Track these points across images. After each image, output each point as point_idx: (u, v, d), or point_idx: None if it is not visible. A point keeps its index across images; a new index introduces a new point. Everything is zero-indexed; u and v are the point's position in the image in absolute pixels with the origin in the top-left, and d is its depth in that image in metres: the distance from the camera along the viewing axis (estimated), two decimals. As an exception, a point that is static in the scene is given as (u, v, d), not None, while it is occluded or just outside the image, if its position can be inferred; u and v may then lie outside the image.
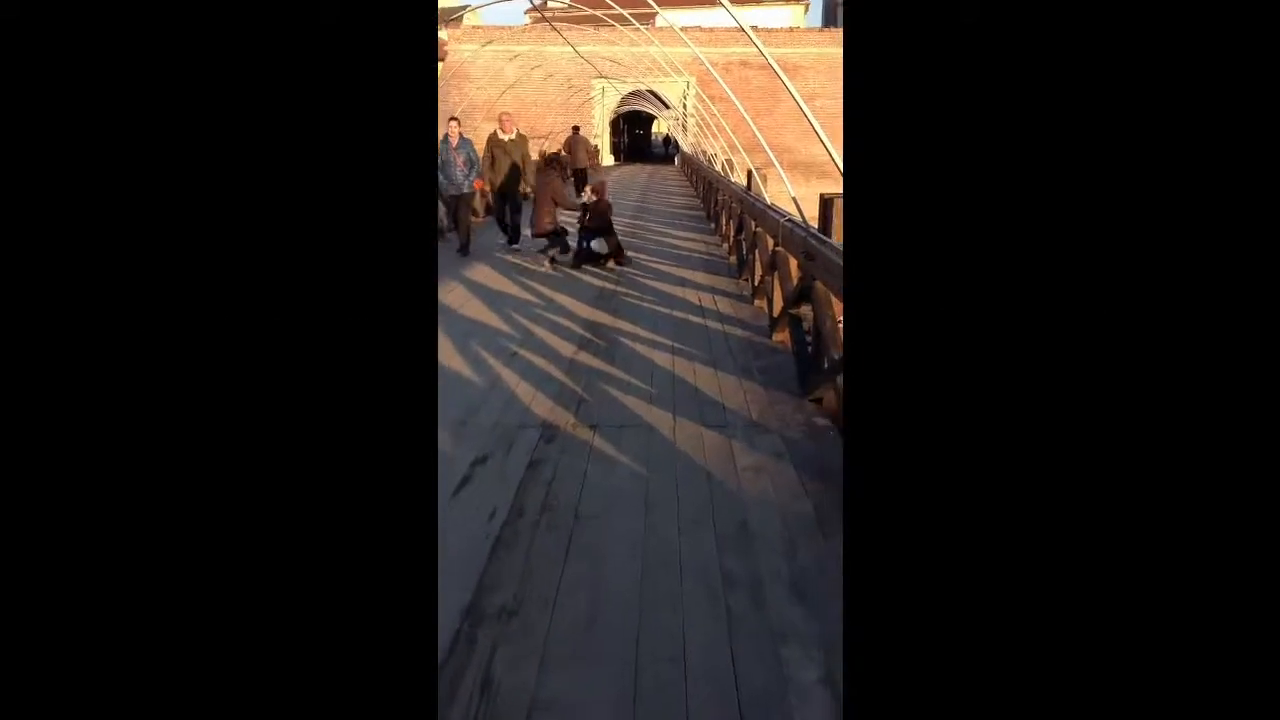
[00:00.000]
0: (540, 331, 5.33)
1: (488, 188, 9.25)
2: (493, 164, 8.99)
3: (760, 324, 5.55)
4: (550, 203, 8.04)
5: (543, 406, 3.85)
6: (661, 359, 4.70)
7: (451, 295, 6.50)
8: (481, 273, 7.56)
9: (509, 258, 8.43)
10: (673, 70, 18.07)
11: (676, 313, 5.94)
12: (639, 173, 25.87)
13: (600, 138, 31.93)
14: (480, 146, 9.02)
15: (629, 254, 8.24)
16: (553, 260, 7.93)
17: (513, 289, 6.84)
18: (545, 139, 27.18)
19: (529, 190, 9.35)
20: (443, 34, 36.50)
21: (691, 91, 25.87)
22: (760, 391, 4.10)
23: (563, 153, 18.00)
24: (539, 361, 4.62)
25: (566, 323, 5.59)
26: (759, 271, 6.13)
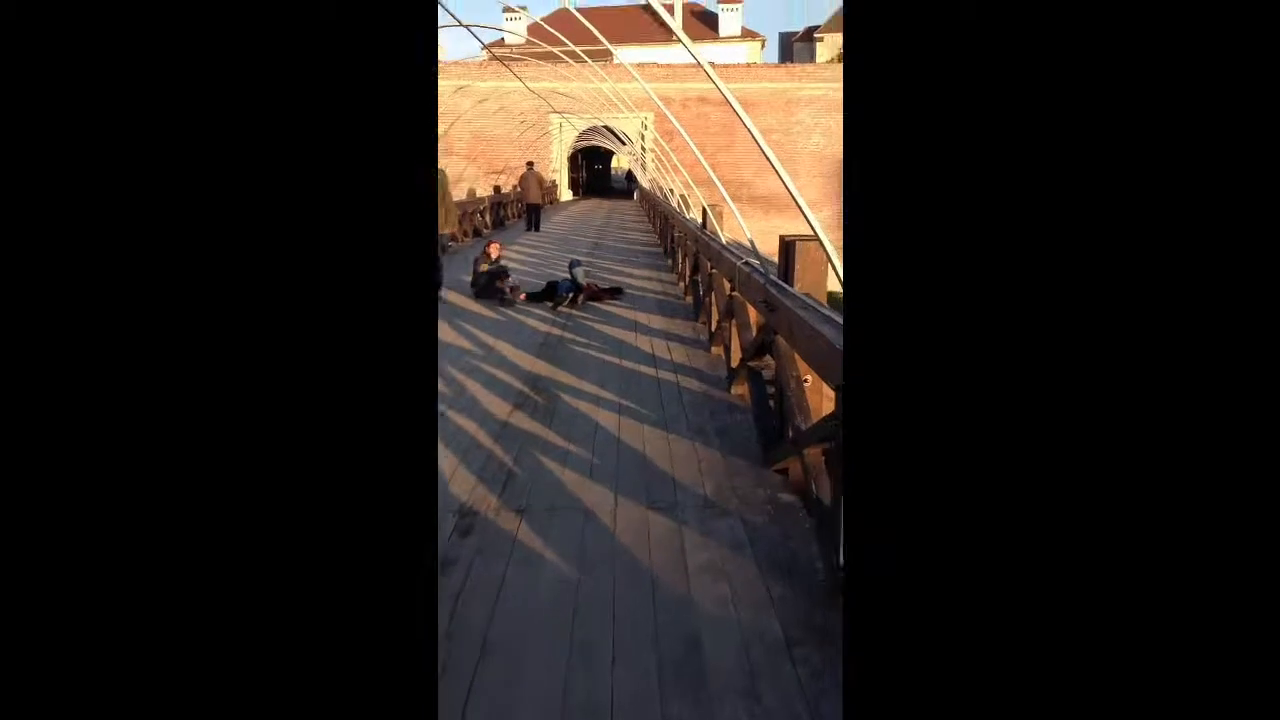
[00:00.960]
0: (473, 387, 4.77)
1: None
2: None
3: (718, 374, 5.06)
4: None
5: (464, 484, 3.28)
6: (606, 419, 4.17)
7: (381, 344, 5.93)
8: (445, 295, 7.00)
9: (452, 299, 7.87)
10: (627, 107, 17.97)
11: (626, 362, 5.43)
12: (598, 208, 25.52)
13: (559, 173, 31.68)
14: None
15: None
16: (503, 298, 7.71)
17: (451, 335, 6.27)
18: (502, 174, 26.79)
19: (451, 232, 8.67)
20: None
21: (649, 127, 25.71)
22: (717, 459, 3.59)
23: (516, 187, 17.64)
24: (467, 425, 4.06)
25: (504, 376, 5.05)
26: (715, 316, 5.65)
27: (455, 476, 3.36)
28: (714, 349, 5.68)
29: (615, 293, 8.23)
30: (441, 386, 4.79)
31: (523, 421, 4.13)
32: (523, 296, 7.88)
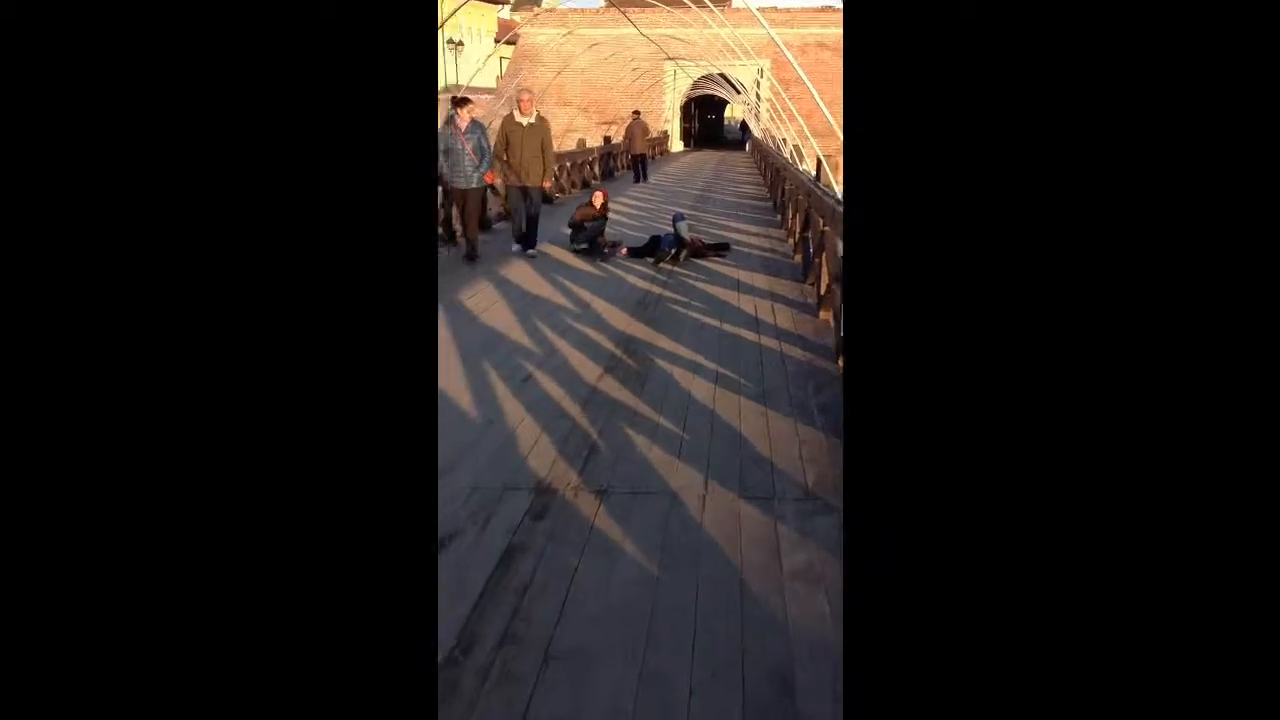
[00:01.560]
0: (564, 348, 4.55)
1: (499, 181, 7.70)
2: (507, 152, 7.40)
3: (825, 342, 4.66)
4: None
5: (543, 458, 3.07)
6: (701, 390, 3.86)
7: (477, 297, 5.79)
8: (517, 269, 6.84)
9: (550, 252, 7.68)
10: (744, 53, 17.26)
11: (727, 325, 5.08)
12: (708, 159, 24.86)
13: (670, 123, 31.08)
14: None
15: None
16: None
17: (547, 290, 6.08)
18: (613, 124, 26.44)
19: (550, 185, 7.98)
20: (515, 16, 36.08)
21: (766, 75, 24.72)
22: (820, 442, 3.24)
23: (626, 138, 17.30)
24: (553, 390, 3.84)
25: (597, 336, 4.80)
26: (825, 279, 5.22)
27: (536, 448, 3.15)
28: (822, 314, 5.25)
29: (720, 249, 7.80)
30: (532, 345, 4.59)
31: (612, 388, 3.87)
32: (624, 251, 7.57)
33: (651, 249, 7.38)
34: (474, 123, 7.20)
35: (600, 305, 5.61)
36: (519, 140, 7.36)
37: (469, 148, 7.06)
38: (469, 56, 35.87)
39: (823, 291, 5.29)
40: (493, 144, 7.31)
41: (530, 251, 7.54)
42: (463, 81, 23.77)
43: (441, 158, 7.07)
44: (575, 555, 2.37)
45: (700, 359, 4.36)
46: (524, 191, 7.49)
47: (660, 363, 4.30)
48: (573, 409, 3.59)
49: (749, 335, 4.86)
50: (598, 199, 7.91)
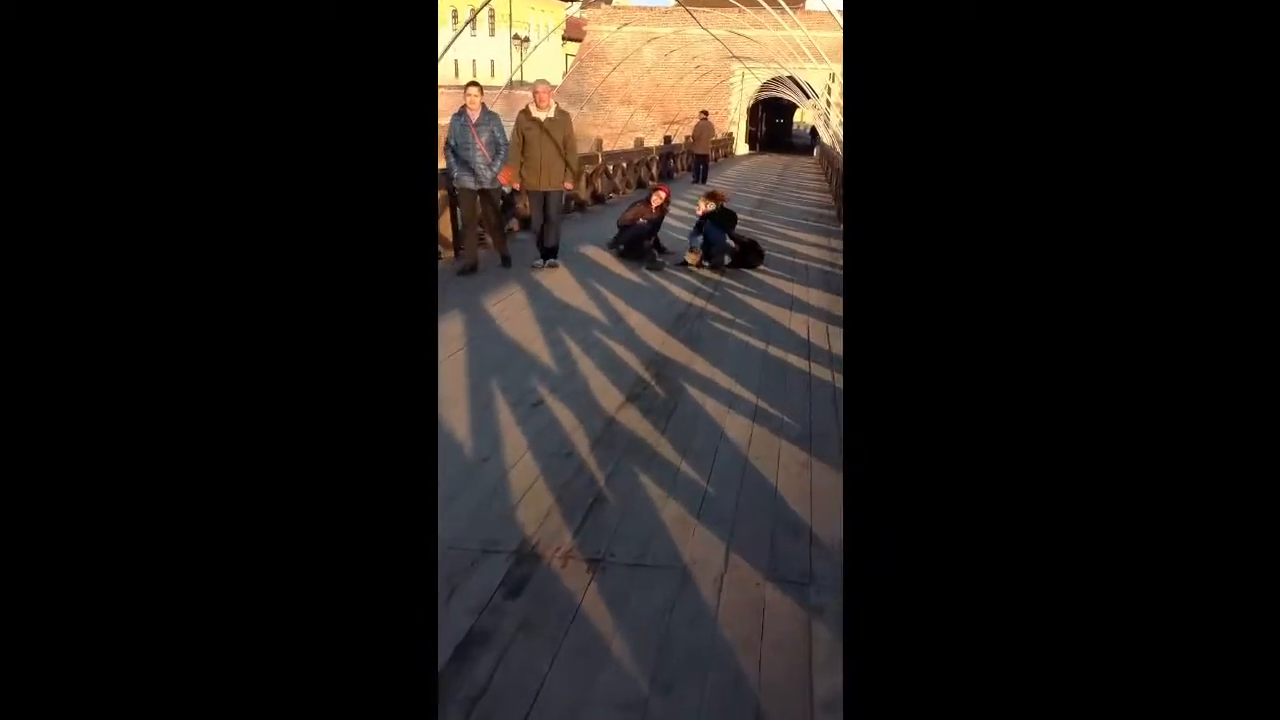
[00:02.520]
0: (587, 368, 4.05)
1: (516, 182, 6.42)
2: (523, 150, 6.26)
3: (886, 376, 4.06)
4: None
5: (536, 508, 2.57)
6: (736, 428, 3.32)
7: (504, 304, 5.34)
8: (553, 272, 6.37)
9: (593, 255, 7.21)
10: (816, 56, 16.62)
11: (773, 349, 4.52)
12: (773, 163, 24.13)
13: (736, 125, 30.43)
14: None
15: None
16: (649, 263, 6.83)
17: (580, 298, 5.60)
18: (674, 124, 25.94)
19: (571, 187, 6.78)
20: (582, 13, 35.84)
21: (838, 79, 23.90)
22: (874, 506, 2.66)
23: (688, 138, 16.80)
24: (565, 420, 3.35)
25: (626, 355, 4.29)
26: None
27: (530, 495, 2.66)
28: (885, 341, 4.65)
29: (748, 255, 6.94)
30: (550, 363, 4.11)
31: (632, 420, 3.36)
32: (694, 258, 6.90)
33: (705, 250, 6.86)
34: (486, 111, 6.13)
35: (635, 318, 5.10)
36: (536, 138, 6.24)
37: (481, 142, 6.02)
38: (535, 54, 35.83)
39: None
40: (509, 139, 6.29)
41: (552, 262, 6.58)
42: (528, 78, 23.59)
43: (449, 155, 6.13)
44: (549, 654, 1.86)
45: (739, 389, 3.81)
46: (543, 197, 6.43)
47: (692, 391, 3.77)
48: (582, 445, 3.09)
49: (798, 362, 4.29)
50: (657, 197, 7.29)
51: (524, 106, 6.36)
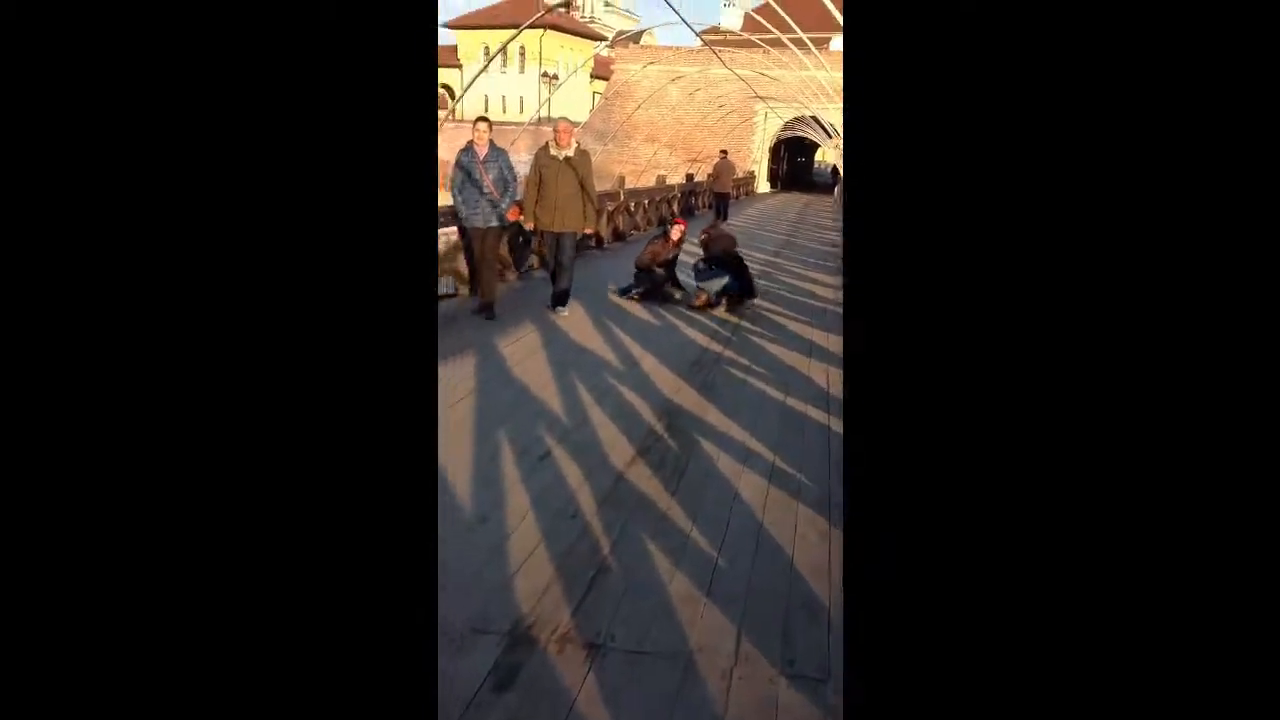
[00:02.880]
0: (597, 418, 3.89)
1: (529, 222, 6.18)
2: (539, 190, 6.06)
3: (911, 433, 3.86)
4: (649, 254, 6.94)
5: (535, 579, 2.39)
6: (751, 489, 3.13)
7: (517, 345, 5.20)
8: (569, 313, 6.23)
9: (605, 292, 7.08)
10: (839, 96, 16.65)
11: (793, 400, 4.34)
12: (794, 202, 24.09)
13: (758, 164, 30.51)
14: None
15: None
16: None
17: (595, 340, 5.46)
18: (697, 161, 26.00)
19: (591, 230, 6.53)
20: (611, 52, 36.29)
21: (860, 118, 23.83)
22: (899, 584, 2.46)
23: (710, 175, 16.78)
24: (572, 475, 3.18)
25: (639, 404, 4.13)
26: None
27: (529, 563, 2.48)
28: (909, 394, 4.46)
29: (734, 290, 6.73)
30: (559, 412, 3.95)
31: (642, 478, 3.18)
32: (701, 299, 6.77)
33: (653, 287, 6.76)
34: (494, 148, 5.87)
35: (650, 363, 4.94)
36: (554, 177, 5.99)
37: (489, 179, 5.74)
38: (563, 91, 36.20)
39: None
40: (516, 176, 6.04)
41: (561, 309, 6.23)
42: (555, 114, 23.79)
43: (456, 193, 5.99)
44: (535, 760, 1.67)
45: (754, 443, 3.62)
46: (556, 239, 6.17)
47: (705, 445, 3.59)
48: (588, 505, 2.92)
49: (817, 415, 4.10)
50: (676, 231, 7.10)
51: (544, 144, 6.19)
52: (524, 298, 6.67)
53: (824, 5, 6.65)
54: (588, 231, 6.39)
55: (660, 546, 2.63)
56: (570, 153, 6.05)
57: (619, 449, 3.48)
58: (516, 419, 3.79)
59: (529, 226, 6.25)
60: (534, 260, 7.70)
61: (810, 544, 2.70)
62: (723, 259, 6.79)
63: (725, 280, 6.68)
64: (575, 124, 6.79)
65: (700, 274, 6.80)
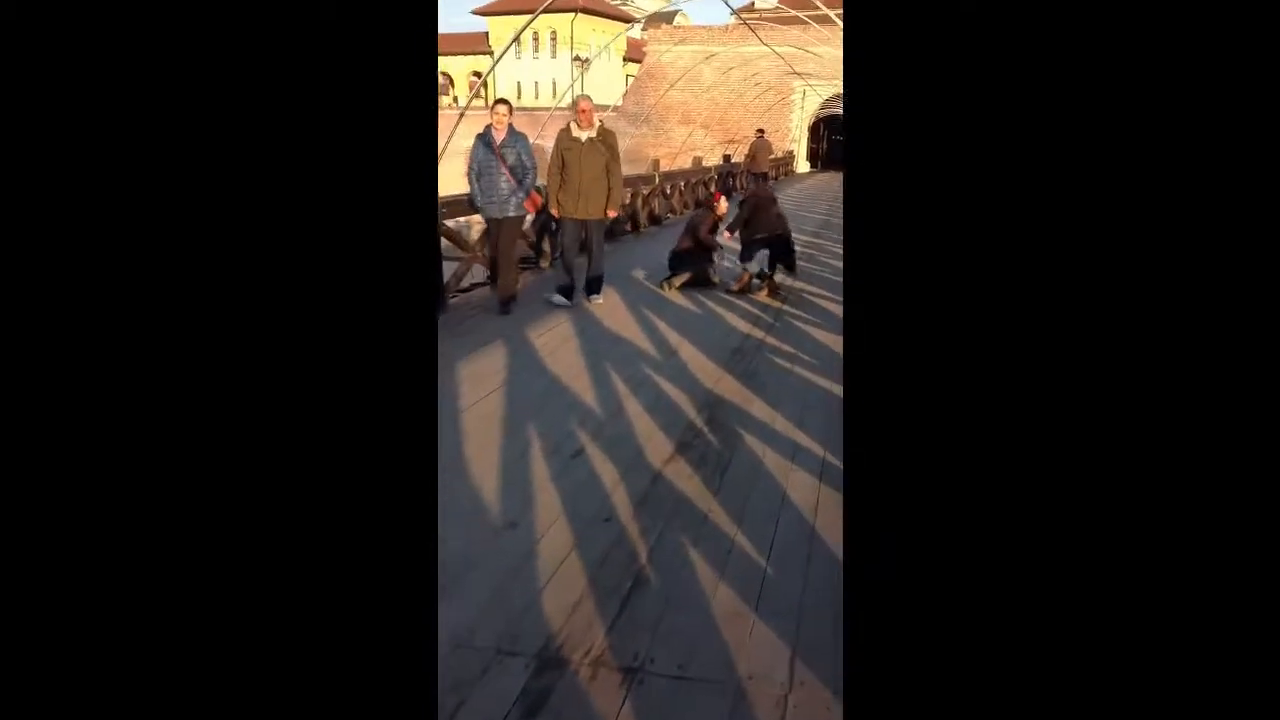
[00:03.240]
0: (633, 410, 3.68)
1: (554, 209, 5.82)
2: (562, 175, 5.65)
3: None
4: (691, 239, 6.58)
5: (566, 592, 2.19)
6: (800, 488, 2.90)
7: (549, 335, 5.02)
8: (601, 301, 6.02)
9: (645, 281, 6.86)
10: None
11: (839, 389, 4.08)
12: (833, 181, 23.54)
13: (797, 143, 29.93)
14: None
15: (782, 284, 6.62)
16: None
17: (631, 328, 5.25)
18: (734, 143, 25.56)
19: (614, 214, 5.98)
20: (644, 34, 35.83)
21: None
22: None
23: (748, 156, 16.43)
24: (607, 473, 2.98)
25: (677, 395, 3.91)
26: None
27: (560, 574, 2.28)
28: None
29: (776, 257, 6.42)
30: (593, 404, 3.75)
31: (681, 477, 2.97)
32: (744, 280, 6.46)
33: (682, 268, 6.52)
34: (513, 132, 5.44)
35: (688, 351, 4.71)
36: (576, 159, 5.57)
37: (506, 166, 5.35)
38: (595, 74, 35.92)
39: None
40: (536, 162, 5.64)
41: (596, 297, 5.98)
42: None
43: (473, 180, 5.47)
44: (565, 809, 1.48)
45: (803, 437, 3.39)
46: (583, 225, 5.78)
47: (749, 439, 3.36)
48: (624, 506, 2.71)
49: (869, 405, 3.84)
50: (720, 205, 6.73)
51: (565, 125, 5.82)
52: (555, 286, 6.48)
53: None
54: (611, 215, 5.97)
55: (702, 554, 2.42)
56: (593, 133, 5.62)
57: (656, 445, 3.27)
58: (547, 413, 3.60)
59: (554, 214, 5.94)
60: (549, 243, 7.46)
61: (867, 550, 2.47)
62: (765, 240, 6.52)
63: (765, 254, 6.41)
64: (598, 105, 6.46)
65: (742, 255, 6.54)
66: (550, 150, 5.80)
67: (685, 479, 2.95)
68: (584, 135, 5.62)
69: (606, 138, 5.71)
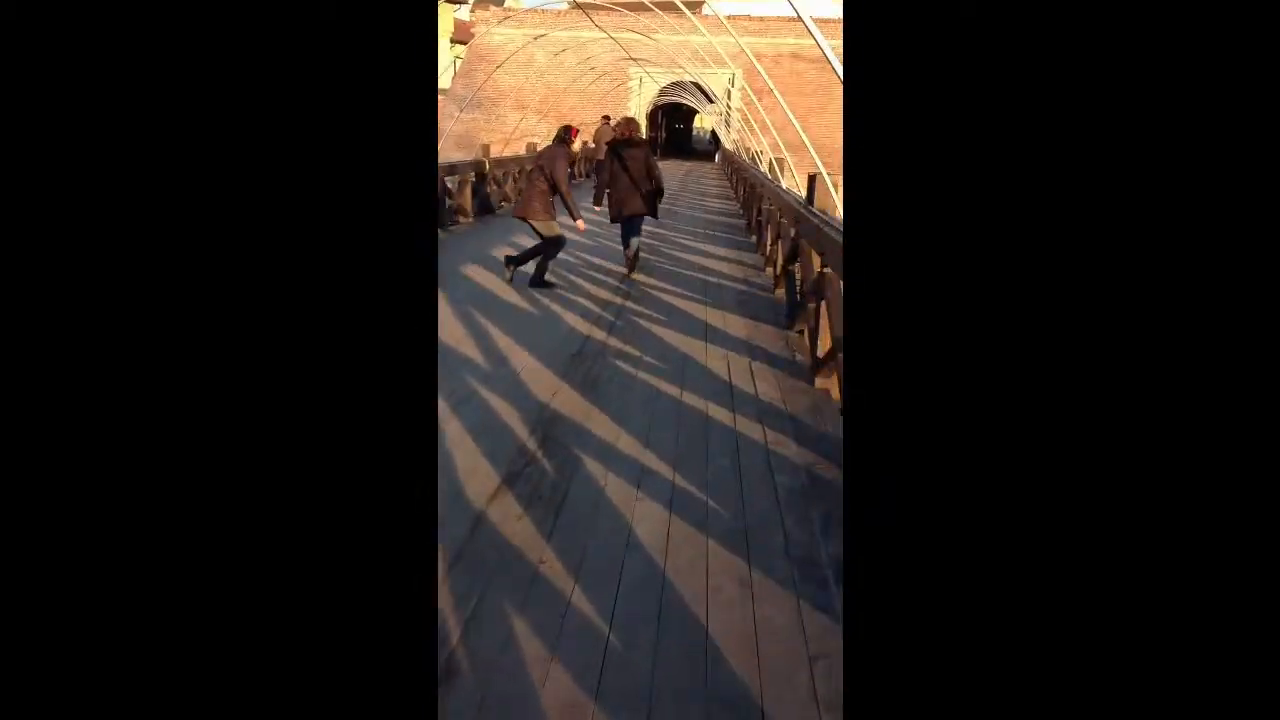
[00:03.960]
0: (455, 435, 3.15)
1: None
2: None
3: (828, 430, 3.33)
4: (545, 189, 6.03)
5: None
6: (648, 523, 2.50)
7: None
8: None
9: (475, 276, 6.28)
10: (715, 61, 16.19)
11: (690, 397, 3.73)
12: (675, 169, 23.61)
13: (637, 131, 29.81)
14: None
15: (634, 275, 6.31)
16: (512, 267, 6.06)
17: (456, 334, 4.68)
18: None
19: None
20: (469, 15, 34.54)
21: (737, 85, 23.64)
22: (839, 646, 1.89)
23: (588, 143, 16.04)
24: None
25: (508, 413, 3.42)
26: (825, 339, 3.89)
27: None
28: (819, 381, 3.94)
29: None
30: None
31: (509, 518, 2.49)
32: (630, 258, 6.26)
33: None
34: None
35: (522, 358, 4.22)
36: None
37: None
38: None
39: (821, 354, 3.95)
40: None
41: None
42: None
43: None
44: None
45: (651, 458, 2.99)
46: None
47: (590, 464, 2.92)
48: (439, 564, 2.20)
49: (720, 414, 3.51)
50: (576, 140, 6.28)
51: None
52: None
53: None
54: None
55: (529, 624, 1.95)
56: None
57: (479, 477, 2.77)
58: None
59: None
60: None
61: (728, 601, 2.09)
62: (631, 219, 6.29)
63: (638, 241, 6.37)
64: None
65: (623, 238, 6.50)
66: None
67: (513, 521, 2.48)
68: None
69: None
